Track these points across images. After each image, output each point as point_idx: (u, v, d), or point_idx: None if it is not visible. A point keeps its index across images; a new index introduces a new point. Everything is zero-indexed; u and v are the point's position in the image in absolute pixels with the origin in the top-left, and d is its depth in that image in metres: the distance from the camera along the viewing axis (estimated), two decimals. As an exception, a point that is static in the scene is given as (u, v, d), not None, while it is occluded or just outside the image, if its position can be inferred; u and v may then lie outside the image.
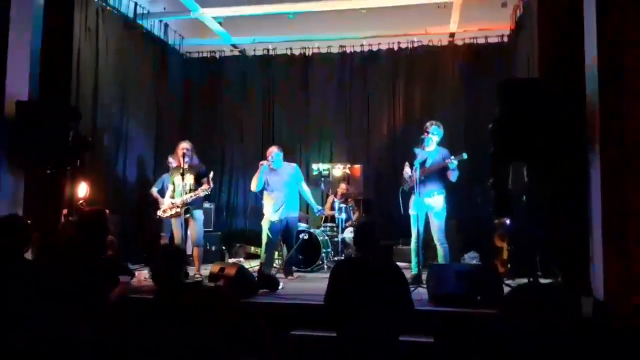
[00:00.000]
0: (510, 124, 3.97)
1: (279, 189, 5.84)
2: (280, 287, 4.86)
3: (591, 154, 3.82)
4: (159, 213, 5.72)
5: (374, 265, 2.94)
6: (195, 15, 7.50)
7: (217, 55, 8.66)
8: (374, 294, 2.79)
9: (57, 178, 4.57)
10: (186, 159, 5.52)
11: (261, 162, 5.89)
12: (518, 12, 6.71)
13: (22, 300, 2.70)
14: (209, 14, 7.58)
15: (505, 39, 7.47)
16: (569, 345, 3.11)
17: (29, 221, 3.29)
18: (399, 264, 4.76)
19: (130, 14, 7.09)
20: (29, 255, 3.24)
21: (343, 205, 6.90)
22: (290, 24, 7.79)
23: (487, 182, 5.33)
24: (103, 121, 6.42)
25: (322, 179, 7.42)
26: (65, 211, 4.99)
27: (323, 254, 6.53)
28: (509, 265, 5.44)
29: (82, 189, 5.45)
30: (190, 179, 5.54)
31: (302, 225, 6.54)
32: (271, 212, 5.82)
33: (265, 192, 5.93)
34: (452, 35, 7.78)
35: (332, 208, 7.13)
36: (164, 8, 7.72)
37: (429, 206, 5.21)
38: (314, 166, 7.77)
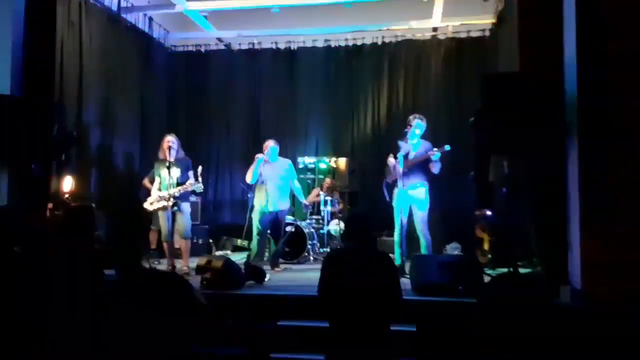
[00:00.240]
0: (492, 117, 4.06)
1: (272, 182, 5.93)
2: (266, 279, 4.93)
3: (570, 145, 3.92)
4: (146, 205, 5.73)
5: (365, 255, 2.96)
6: (180, 9, 7.47)
7: (203, 49, 8.63)
8: (366, 283, 2.82)
9: (42, 172, 4.56)
10: (172, 152, 5.53)
11: (257, 155, 5.98)
12: (499, 6, 6.80)
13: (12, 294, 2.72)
14: (194, 8, 7.55)
15: (487, 33, 7.57)
16: (547, 332, 3.23)
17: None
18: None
19: (114, 7, 7.04)
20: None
21: (329, 198, 6.97)
22: (276, 18, 7.81)
23: (469, 174, 5.44)
24: (88, 115, 6.39)
25: (308, 172, 7.48)
26: (50, 205, 4.98)
27: (309, 246, 6.61)
28: (489, 256, 5.55)
29: (68, 183, 5.44)
30: (176, 172, 5.55)
31: (289, 218, 6.61)
32: (263, 204, 5.89)
33: (258, 185, 6.01)
34: (435, 29, 7.85)
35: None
36: (148, 1, 7.68)
37: (412, 198, 5.30)
38: (300, 159, 7.83)
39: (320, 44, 8.28)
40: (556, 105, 4.00)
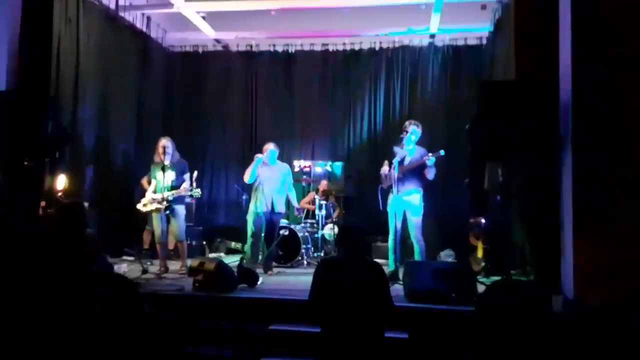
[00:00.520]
0: (487, 124, 4.07)
1: (269, 185, 5.93)
2: (259, 282, 4.90)
3: (565, 149, 3.92)
4: (139, 206, 5.70)
5: (357, 263, 3.02)
6: (178, 9, 7.45)
7: (200, 50, 8.61)
8: (356, 290, 2.86)
9: (36, 170, 4.52)
10: (167, 157, 5.52)
11: (257, 155, 5.99)
12: (497, 14, 6.83)
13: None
14: (192, 8, 7.54)
15: (484, 41, 7.60)
16: (540, 340, 3.22)
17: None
18: (377, 260, 4.88)
19: (112, 5, 7.01)
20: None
21: (324, 202, 6.96)
22: (274, 21, 7.79)
23: (464, 181, 5.45)
24: (83, 113, 6.34)
25: (304, 176, 7.47)
26: (43, 203, 4.94)
27: (303, 250, 6.59)
28: (483, 264, 5.55)
29: (61, 181, 5.40)
30: (171, 175, 5.54)
31: (283, 222, 6.59)
32: (257, 206, 5.88)
33: (254, 186, 6.00)
34: (432, 36, 7.88)
35: (313, 203, 7.18)
36: (147, 0, 7.65)
37: (407, 204, 5.30)
38: (296, 163, 7.82)
39: (318, 47, 8.29)
40: (550, 112, 4.00)
